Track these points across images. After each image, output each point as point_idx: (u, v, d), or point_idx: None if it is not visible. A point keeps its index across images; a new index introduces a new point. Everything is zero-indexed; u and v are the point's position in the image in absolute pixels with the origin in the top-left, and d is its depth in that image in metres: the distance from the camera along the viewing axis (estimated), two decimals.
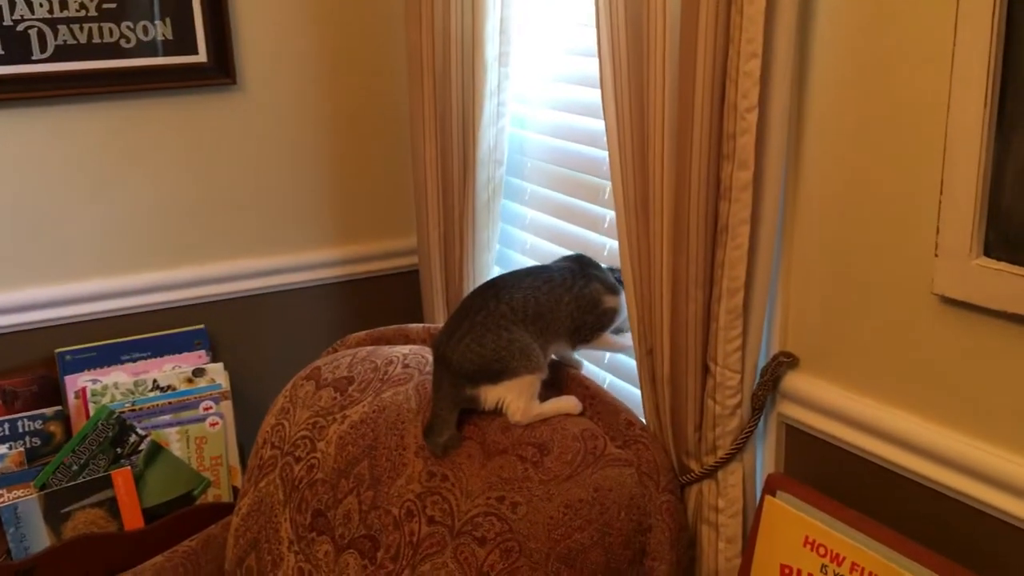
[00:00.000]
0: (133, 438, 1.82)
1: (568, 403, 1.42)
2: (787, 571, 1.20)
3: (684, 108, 1.22)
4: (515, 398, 1.39)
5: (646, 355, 1.39)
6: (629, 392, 1.58)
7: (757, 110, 1.16)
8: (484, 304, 1.42)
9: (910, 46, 1.07)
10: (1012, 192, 0.99)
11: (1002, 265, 1.01)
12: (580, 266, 1.49)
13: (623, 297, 1.46)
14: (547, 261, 1.59)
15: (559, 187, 1.78)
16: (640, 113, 1.30)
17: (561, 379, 1.50)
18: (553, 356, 1.50)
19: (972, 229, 1.02)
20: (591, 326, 1.47)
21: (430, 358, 1.58)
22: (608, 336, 1.49)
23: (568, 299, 1.44)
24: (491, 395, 1.40)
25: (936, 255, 1.07)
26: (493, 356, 1.38)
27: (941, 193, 1.04)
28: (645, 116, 1.29)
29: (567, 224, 1.76)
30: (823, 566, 1.15)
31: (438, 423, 1.40)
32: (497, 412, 1.42)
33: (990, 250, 1.02)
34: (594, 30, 1.35)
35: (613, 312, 1.47)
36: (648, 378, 1.40)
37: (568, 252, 1.73)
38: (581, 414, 1.42)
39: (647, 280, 1.35)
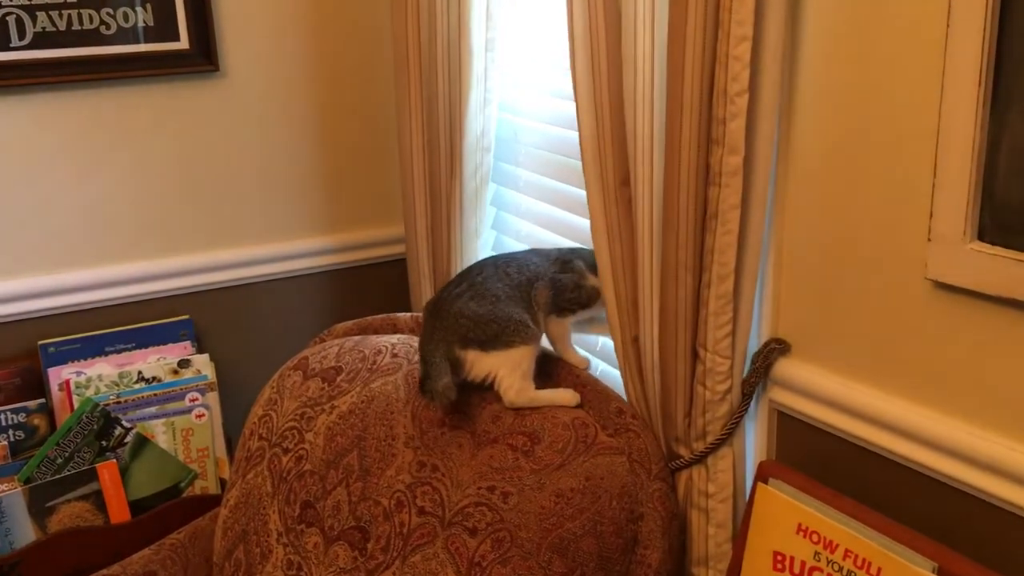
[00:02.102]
0: (118, 430, 1.81)
1: (565, 395, 1.41)
2: (780, 558, 1.19)
3: (673, 92, 1.21)
4: (507, 373, 1.38)
5: (632, 343, 1.38)
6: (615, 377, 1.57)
7: (747, 94, 1.15)
8: (483, 268, 1.44)
9: (902, 27, 1.06)
10: (1006, 175, 0.98)
11: (996, 250, 1.00)
12: (573, 248, 1.52)
13: None
14: (541, 247, 1.60)
15: (553, 174, 1.76)
16: (620, 97, 1.29)
17: (552, 367, 1.49)
18: (553, 350, 1.50)
19: (966, 213, 1.01)
20: (569, 300, 1.46)
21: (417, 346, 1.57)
22: (569, 324, 1.49)
23: (553, 269, 1.45)
24: (479, 365, 1.38)
25: (929, 240, 1.06)
26: (489, 317, 1.37)
27: (934, 176, 1.04)
28: (629, 101, 1.27)
29: (561, 211, 1.75)
30: (816, 553, 1.15)
31: (433, 370, 1.37)
32: (487, 401, 1.41)
33: (984, 234, 1.01)
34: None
35: (595, 291, 1.46)
36: (635, 365, 1.39)
37: (562, 238, 1.74)
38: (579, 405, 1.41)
39: (631, 266, 1.35)
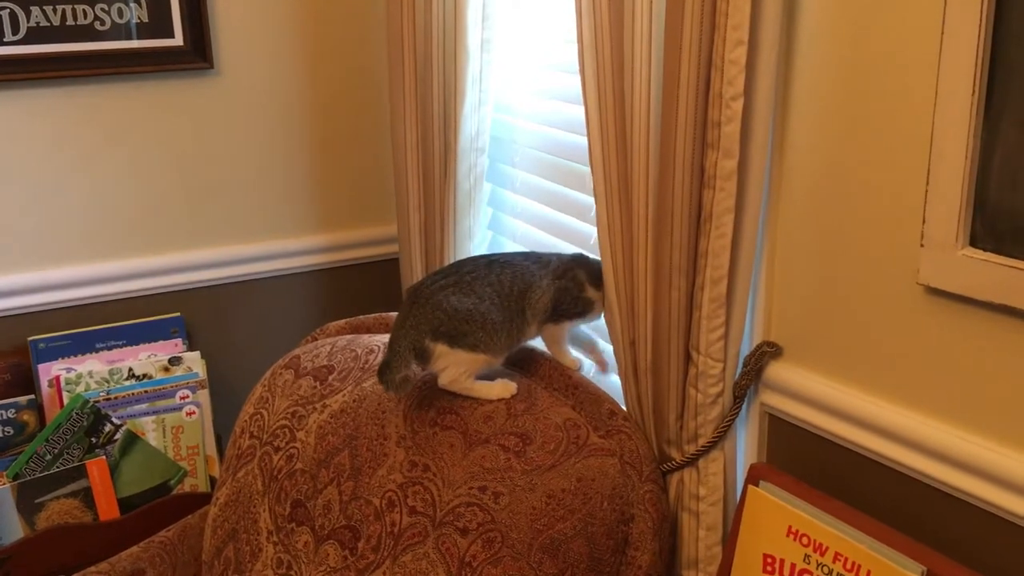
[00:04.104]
0: (108, 427, 1.80)
1: (497, 388, 1.42)
2: (770, 561, 1.20)
3: (669, 96, 1.21)
4: (455, 367, 1.39)
5: (629, 346, 1.38)
6: (612, 382, 1.57)
7: (743, 99, 1.15)
8: (476, 267, 1.43)
9: (898, 33, 1.07)
10: (999, 182, 0.98)
11: (988, 255, 1.00)
12: (574, 257, 1.50)
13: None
14: (535, 249, 1.60)
15: (549, 175, 1.77)
16: (621, 101, 1.29)
17: (544, 368, 1.49)
18: (548, 351, 1.50)
19: (958, 219, 1.02)
20: (566, 311, 1.46)
21: None
22: (567, 328, 1.49)
23: (549, 280, 1.44)
24: (444, 358, 1.39)
25: (922, 245, 1.06)
26: (465, 317, 1.37)
27: (927, 183, 1.04)
28: (627, 104, 1.28)
29: (556, 212, 1.75)
30: (806, 556, 1.15)
31: (396, 360, 1.38)
32: (479, 402, 1.41)
33: (976, 240, 1.02)
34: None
35: (592, 303, 1.46)
36: (630, 367, 1.39)
37: (557, 240, 1.73)
38: (571, 407, 1.41)
39: (629, 269, 1.35)
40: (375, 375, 1.52)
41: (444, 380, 1.41)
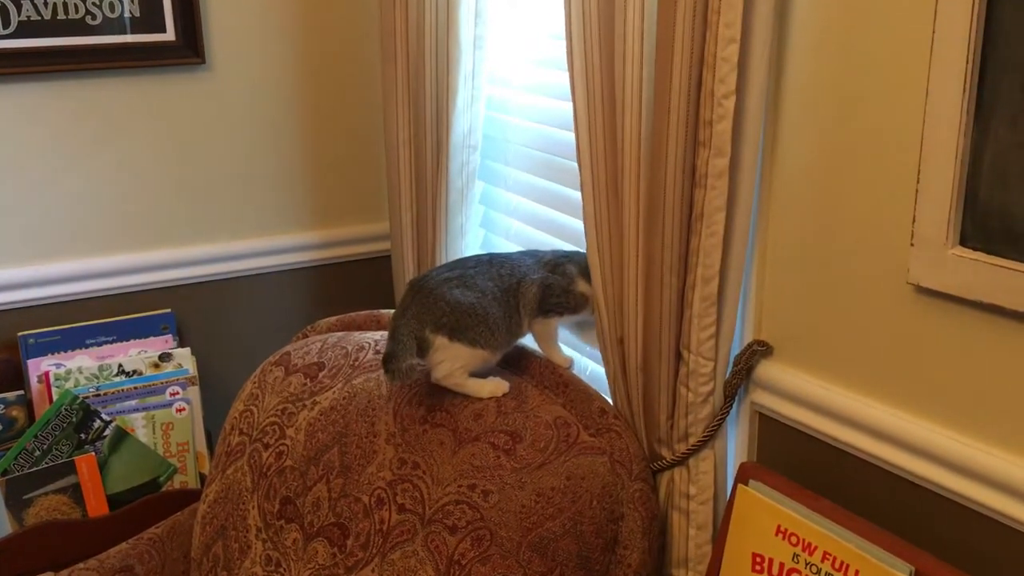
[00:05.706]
0: (97, 423, 1.79)
1: (490, 385, 1.42)
2: (759, 560, 1.20)
3: (660, 94, 1.21)
4: (451, 361, 1.39)
5: (617, 344, 1.38)
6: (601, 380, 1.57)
7: (735, 97, 1.15)
8: (479, 263, 1.43)
9: (889, 31, 1.07)
10: (989, 181, 0.98)
11: (978, 255, 1.00)
12: (568, 252, 1.51)
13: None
14: (530, 247, 1.60)
15: (541, 172, 1.76)
16: (611, 98, 1.29)
17: (536, 365, 1.49)
18: (539, 348, 1.50)
19: (948, 218, 1.02)
20: (556, 304, 1.46)
21: None
22: (556, 325, 1.48)
23: (540, 273, 1.44)
24: (442, 351, 1.38)
25: (912, 244, 1.06)
26: (467, 311, 1.37)
27: (918, 181, 1.04)
28: (618, 101, 1.28)
29: (548, 210, 1.75)
30: (795, 555, 1.15)
31: (399, 348, 1.37)
32: (469, 399, 1.41)
33: (966, 240, 1.02)
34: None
35: (583, 297, 1.46)
36: (620, 366, 1.39)
37: (550, 237, 1.74)
38: (562, 405, 1.41)
39: (619, 267, 1.35)
40: (367, 371, 1.52)
41: (439, 374, 1.40)
